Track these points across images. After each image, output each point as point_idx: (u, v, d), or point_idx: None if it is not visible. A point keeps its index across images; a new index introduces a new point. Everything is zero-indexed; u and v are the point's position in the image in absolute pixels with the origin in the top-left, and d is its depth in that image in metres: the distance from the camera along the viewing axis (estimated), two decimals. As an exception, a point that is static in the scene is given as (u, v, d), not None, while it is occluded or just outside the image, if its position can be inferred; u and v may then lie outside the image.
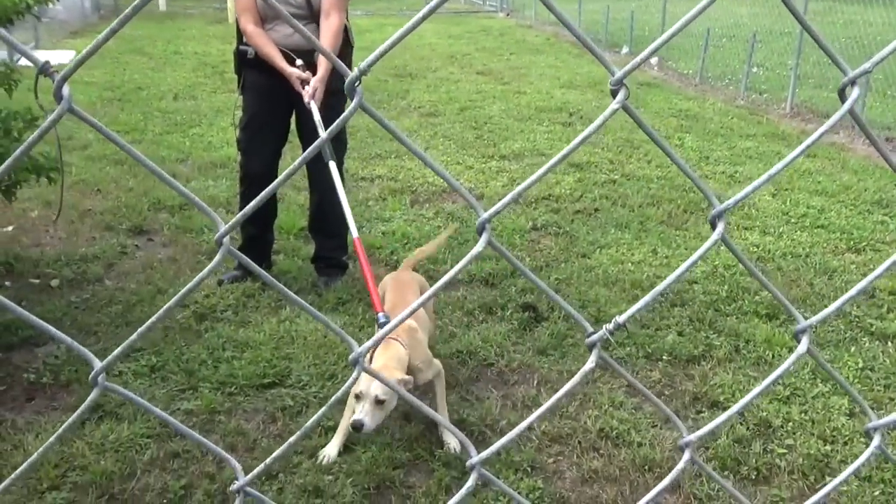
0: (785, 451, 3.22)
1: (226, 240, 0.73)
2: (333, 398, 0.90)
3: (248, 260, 0.84)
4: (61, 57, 11.97)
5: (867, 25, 10.73)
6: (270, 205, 4.62)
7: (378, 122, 0.75)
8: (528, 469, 3.06)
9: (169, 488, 2.89)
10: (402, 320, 0.88)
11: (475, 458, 0.87)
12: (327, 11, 4.10)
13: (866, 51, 9.93)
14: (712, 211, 0.85)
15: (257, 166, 4.36)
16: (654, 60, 13.46)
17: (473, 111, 9.21)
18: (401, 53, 13.69)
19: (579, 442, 3.24)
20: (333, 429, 3.19)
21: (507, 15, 21.64)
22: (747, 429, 3.34)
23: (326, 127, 4.04)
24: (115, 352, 0.77)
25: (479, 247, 0.77)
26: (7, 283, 4.40)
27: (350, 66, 4.28)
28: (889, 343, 4.09)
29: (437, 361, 3.22)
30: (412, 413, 3.36)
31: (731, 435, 3.29)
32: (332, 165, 3.94)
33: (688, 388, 3.66)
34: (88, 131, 7.70)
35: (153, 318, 0.77)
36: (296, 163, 0.72)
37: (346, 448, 3.13)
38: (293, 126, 4.45)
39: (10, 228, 5.21)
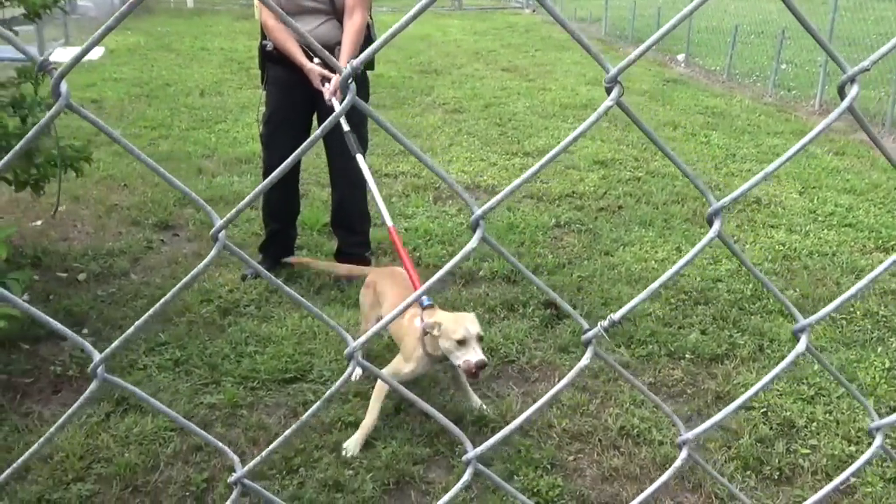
0: (808, 451, 3.19)
1: (221, 234, 0.73)
2: (328, 393, 0.91)
3: (243, 255, 0.84)
4: (91, 53, 12.12)
5: (899, 21, 10.56)
6: (293, 200, 4.64)
7: (371, 118, 0.76)
8: (548, 466, 3.06)
9: (191, 481, 2.92)
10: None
11: (470, 453, 0.88)
12: (351, 9, 4.10)
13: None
14: (709, 209, 0.84)
15: (279, 161, 4.36)
16: (680, 57, 13.35)
17: (498, 108, 9.19)
18: (426, 50, 13.71)
19: (600, 440, 3.23)
20: (354, 424, 3.20)
21: (533, 11, 21.57)
22: (770, 428, 3.31)
23: (348, 123, 4.06)
24: (113, 345, 0.78)
25: (472, 243, 0.77)
26: (35, 277, 4.46)
27: (371, 64, 4.29)
28: (917, 343, 4.03)
29: None
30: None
31: (753, 434, 3.26)
32: (360, 158, 3.95)
33: (710, 386, 3.63)
34: (116, 127, 7.79)
35: (149, 313, 0.78)
36: (287, 161, 0.73)
37: (367, 443, 3.14)
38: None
39: (38, 223, 5.29)
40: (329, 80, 4.07)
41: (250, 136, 7.35)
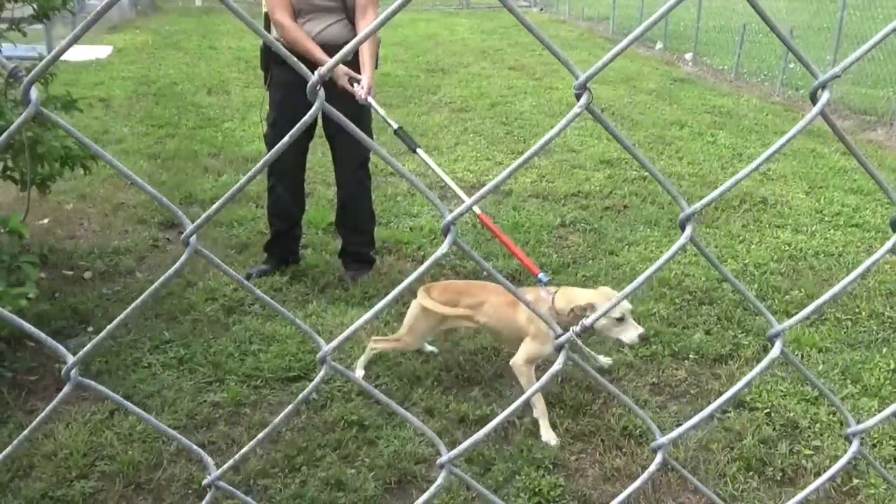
0: (812, 452, 3.18)
1: (192, 239, 0.73)
2: (301, 396, 0.91)
3: (216, 259, 0.83)
4: (99, 52, 12.17)
5: (908, 20, 10.49)
6: (298, 200, 4.65)
7: (340, 123, 0.76)
8: (550, 466, 3.06)
9: (194, 479, 2.93)
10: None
11: (445, 456, 0.89)
12: (364, 7, 4.11)
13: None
14: (681, 214, 0.84)
15: (285, 162, 4.38)
16: (688, 56, 13.31)
17: (504, 107, 9.19)
18: (433, 49, 13.71)
19: (602, 440, 3.23)
20: (357, 423, 3.22)
21: (541, 10, 21.54)
22: (773, 429, 3.30)
23: (356, 123, 4.06)
24: (85, 349, 0.78)
25: (443, 248, 0.77)
26: (42, 275, 4.48)
27: (376, 62, 4.29)
28: (922, 345, 4.01)
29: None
30: (434, 408, 3.38)
31: (756, 435, 3.25)
32: (421, 151, 4.16)
33: (714, 387, 3.62)
34: (123, 126, 7.82)
35: (125, 313, 0.79)
36: (262, 160, 0.73)
37: (369, 442, 3.15)
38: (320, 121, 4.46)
39: (45, 221, 5.31)
40: (357, 80, 4.09)
41: (256, 136, 7.37)
